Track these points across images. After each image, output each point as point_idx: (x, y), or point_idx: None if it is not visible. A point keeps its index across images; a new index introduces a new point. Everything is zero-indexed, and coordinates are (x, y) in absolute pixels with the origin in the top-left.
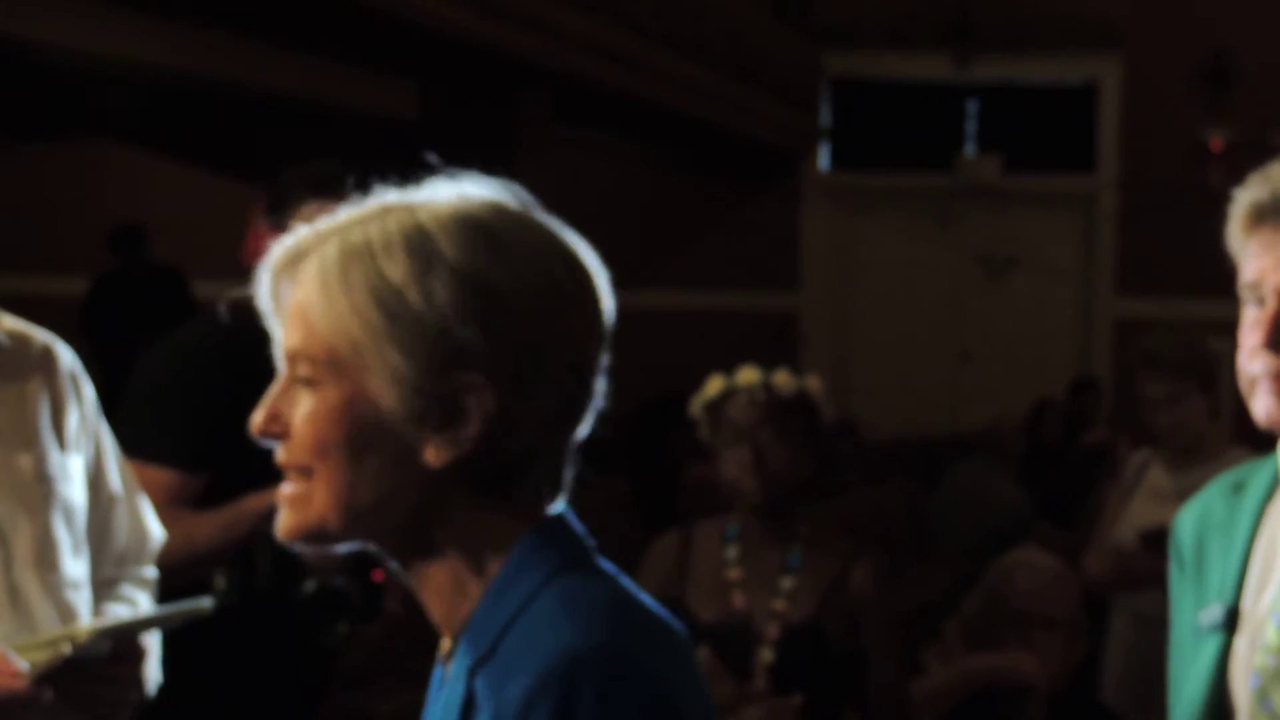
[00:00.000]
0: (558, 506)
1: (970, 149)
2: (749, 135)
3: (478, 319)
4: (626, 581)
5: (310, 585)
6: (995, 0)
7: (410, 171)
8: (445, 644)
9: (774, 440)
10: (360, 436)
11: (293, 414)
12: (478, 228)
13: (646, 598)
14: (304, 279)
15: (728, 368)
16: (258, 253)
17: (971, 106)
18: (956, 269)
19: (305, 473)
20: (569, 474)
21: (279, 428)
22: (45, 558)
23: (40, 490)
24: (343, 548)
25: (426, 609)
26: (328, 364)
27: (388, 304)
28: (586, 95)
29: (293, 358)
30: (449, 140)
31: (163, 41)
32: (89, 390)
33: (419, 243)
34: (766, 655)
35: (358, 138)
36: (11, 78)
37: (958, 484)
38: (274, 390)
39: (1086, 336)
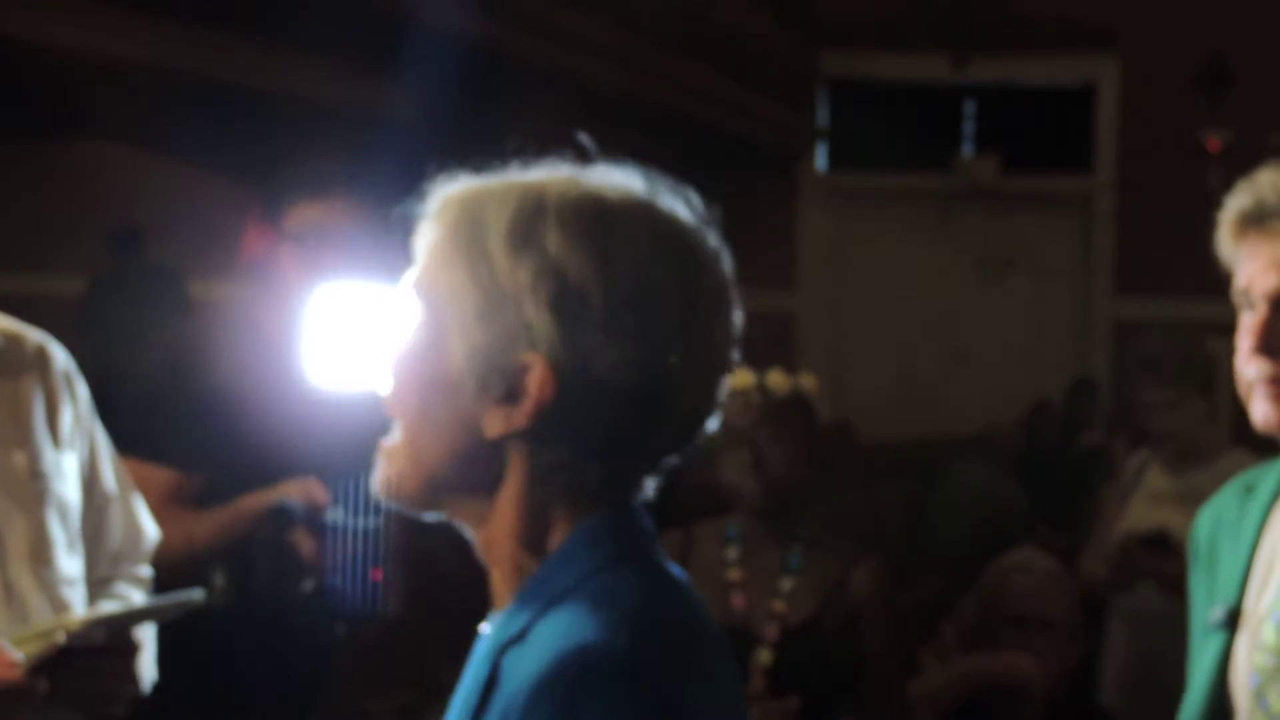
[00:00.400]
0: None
1: (968, 150)
2: (745, 135)
3: (553, 305)
4: (681, 581)
5: (308, 585)
6: (993, 1)
7: (408, 171)
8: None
9: (772, 441)
10: (432, 386)
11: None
12: (593, 220)
13: (689, 600)
14: (437, 224)
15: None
16: (255, 252)
17: (969, 107)
18: (954, 269)
19: (396, 421)
20: (647, 481)
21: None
22: (39, 554)
23: (34, 487)
24: (429, 516)
25: (493, 584)
26: (425, 309)
27: (478, 268)
28: (583, 95)
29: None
30: (446, 140)
31: (158, 41)
32: (83, 390)
33: (527, 219)
34: (765, 656)
35: (357, 138)
36: (7, 78)
37: (955, 485)
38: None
39: (1084, 337)
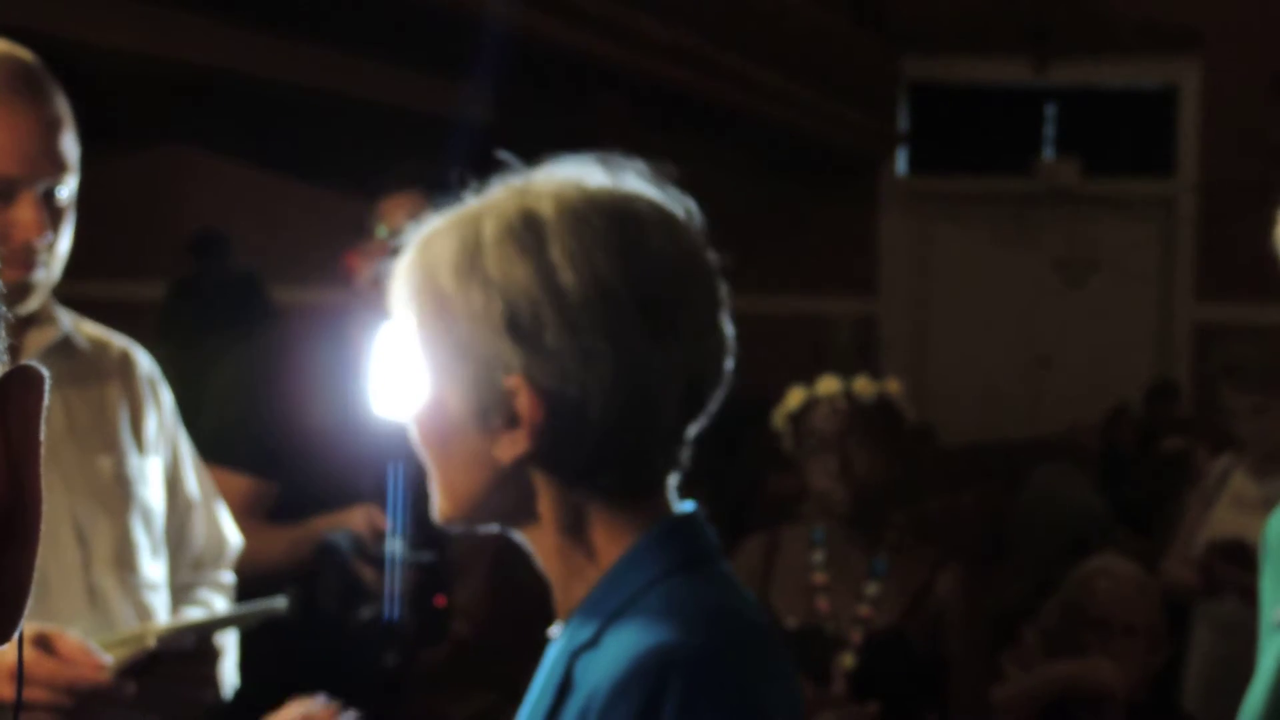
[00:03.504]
0: (686, 504)
1: (1049, 153)
2: (827, 139)
3: (510, 327)
4: (740, 587)
5: (366, 613)
6: (1074, 3)
7: (490, 175)
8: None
9: (859, 447)
10: (444, 429)
11: None
12: (526, 233)
13: (754, 606)
14: (402, 275)
15: (806, 373)
16: (356, 268)
17: (1050, 110)
18: (1035, 273)
19: (428, 463)
20: (673, 466)
21: None
22: (124, 559)
23: (119, 492)
24: (489, 528)
25: (555, 593)
26: (418, 359)
27: (440, 308)
28: (663, 99)
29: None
30: (527, 144)
31: (244, 49)
32: (167, 395)
33: (469, 249)
34: (848, 660)
35: (437, 142)
36: (94, 85)
37: (1037, 490)
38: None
39: (1165, 341)
